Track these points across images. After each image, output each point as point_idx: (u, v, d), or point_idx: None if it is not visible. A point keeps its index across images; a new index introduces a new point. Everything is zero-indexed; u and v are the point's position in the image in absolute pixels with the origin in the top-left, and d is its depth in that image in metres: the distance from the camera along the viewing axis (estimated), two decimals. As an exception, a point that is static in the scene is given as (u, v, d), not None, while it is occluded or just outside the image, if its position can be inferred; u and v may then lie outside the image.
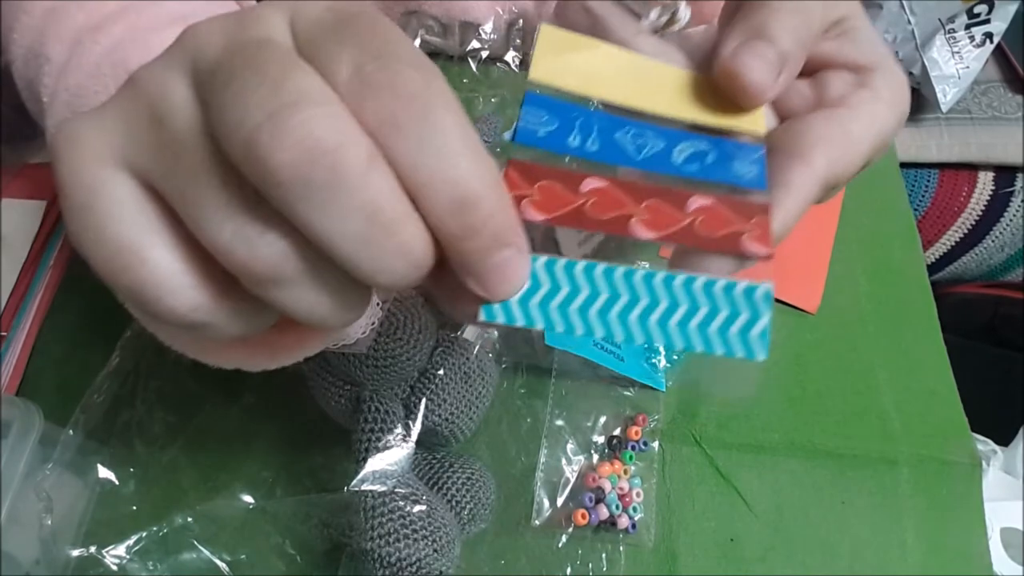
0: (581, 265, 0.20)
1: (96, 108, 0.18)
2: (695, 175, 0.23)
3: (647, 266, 0.49)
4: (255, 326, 0.19)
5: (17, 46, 0.33)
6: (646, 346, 0.46)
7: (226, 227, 0.16)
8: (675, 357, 0.46)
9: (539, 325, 0.20)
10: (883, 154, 0.27)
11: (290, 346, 0.25)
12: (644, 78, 0.25)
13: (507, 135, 0.47)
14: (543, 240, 0.45)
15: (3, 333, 0.46)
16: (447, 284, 0.19)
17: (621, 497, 0.41)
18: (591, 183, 0.21)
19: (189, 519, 0.37)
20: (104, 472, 0.40)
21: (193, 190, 0.16)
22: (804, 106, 0.26)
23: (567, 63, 0.24)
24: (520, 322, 0.20)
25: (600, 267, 0.20)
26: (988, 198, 0.75)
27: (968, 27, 0.70)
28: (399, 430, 0.36)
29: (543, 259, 0.20)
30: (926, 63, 0.69)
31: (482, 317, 0.19)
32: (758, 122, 0.25)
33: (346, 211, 0.15)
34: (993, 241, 0.77)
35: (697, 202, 0.21)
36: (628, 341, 0.20)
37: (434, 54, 0.53)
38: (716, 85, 0.25)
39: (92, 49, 0.31)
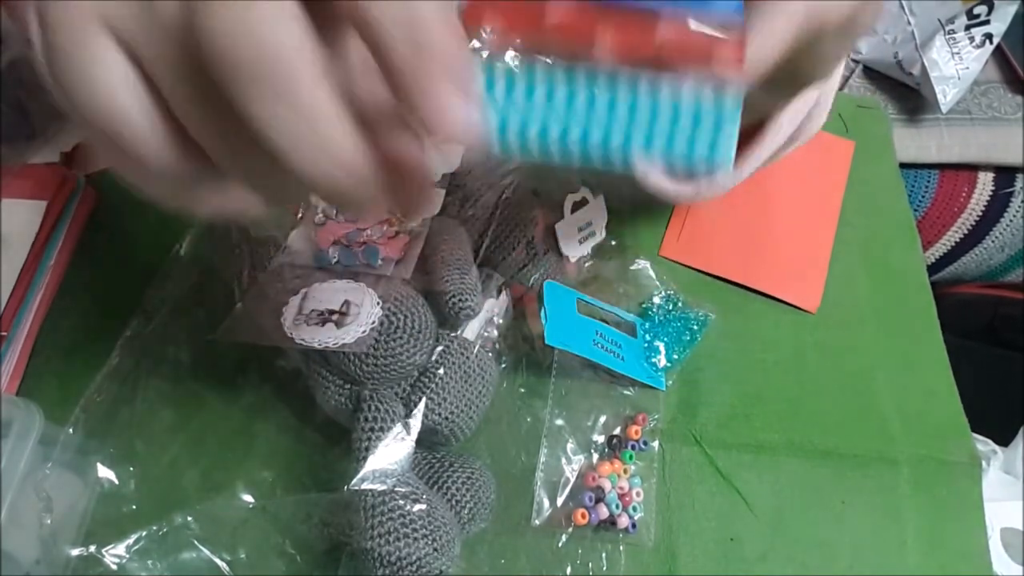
0: (541, 73, 0.20)
1: None
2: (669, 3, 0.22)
3: (647, 264, 0.49)
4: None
5: None
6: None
7: (194, 112, 0.18)
8: (675, 357, 0.46)
9: (513, 150, 0.20)
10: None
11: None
12: None
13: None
14: (543, 238, 0.45)
15: (3, 333, 0.45)
16: (401, 191, 0.20)
17: (621, 497, 0.41)
18: (556, 5, 0.20)
19: (189, 519, 0.37)
20: (104, 472, 0.40)
21: (170, 73, 0.18)
22: None
23: None
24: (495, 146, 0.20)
25: (561, 71, 0.20)
26: (988, 198, 0.75)
27: (968, 28, 0.70)
28: (399, 429, 0.36)
29: (502, 71, 0.20)
30: (926, 64, 0.69)
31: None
32: None
33: (289, 108, 0.17)
34: (993, 241, 0.77)
35: (667, 26, 0.21)
36: (587, 140, 0.20)
37: None
38: None
39: None
